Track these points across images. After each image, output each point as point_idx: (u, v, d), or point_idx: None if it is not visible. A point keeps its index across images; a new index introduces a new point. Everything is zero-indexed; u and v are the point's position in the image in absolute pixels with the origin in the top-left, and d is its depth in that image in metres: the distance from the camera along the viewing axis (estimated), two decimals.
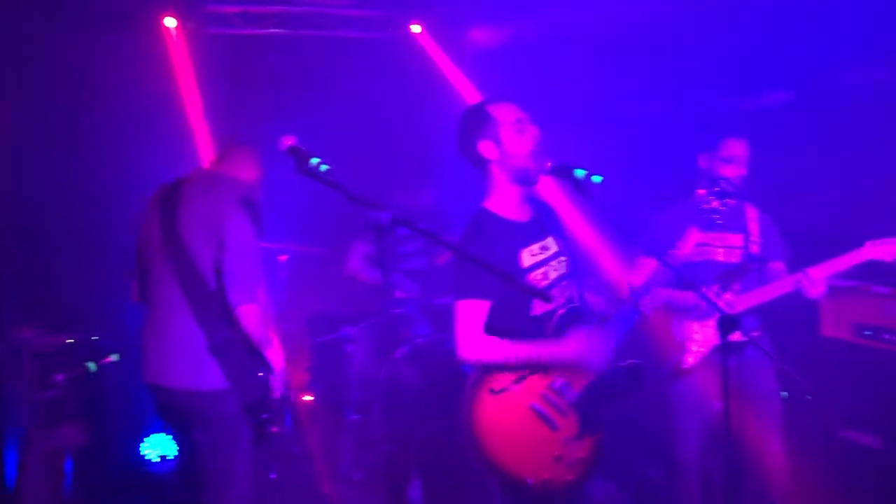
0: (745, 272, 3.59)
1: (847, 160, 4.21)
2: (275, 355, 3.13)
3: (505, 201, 2.86)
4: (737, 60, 4.59)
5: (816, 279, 3.35)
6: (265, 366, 3.12)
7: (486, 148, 2.81)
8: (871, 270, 4.11)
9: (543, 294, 2.31)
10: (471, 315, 2.68)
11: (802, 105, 4.65)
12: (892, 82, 4.18)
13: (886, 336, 3.93)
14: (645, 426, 4.42)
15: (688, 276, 2.57)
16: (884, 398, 3.85)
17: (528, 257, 2.82)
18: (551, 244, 2.93)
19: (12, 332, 2.23)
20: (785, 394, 4.09)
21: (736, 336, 3.02)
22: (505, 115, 2.82)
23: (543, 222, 2.99)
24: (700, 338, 3.57)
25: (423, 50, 6.38)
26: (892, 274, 3.96)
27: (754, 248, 3.66)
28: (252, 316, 2.96)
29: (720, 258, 3.66)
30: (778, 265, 3.69)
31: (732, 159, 3.59)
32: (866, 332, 4.02)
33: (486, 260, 2.55)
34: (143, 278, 3.19)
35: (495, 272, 2.55)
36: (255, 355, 3.07)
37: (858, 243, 3.35)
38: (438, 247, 5.39)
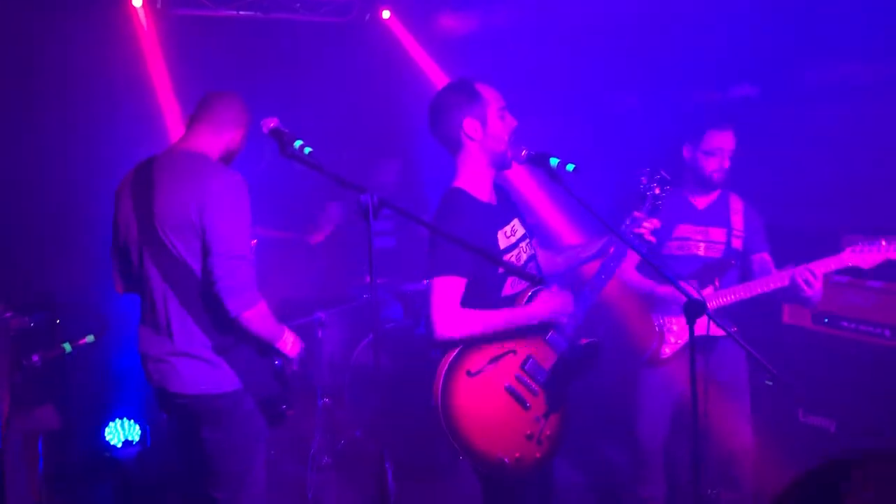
0: (725, 268, 3.62)
1: (818, 154, 4.29)
2: (287, 345, 2.90)
3: (478, 183, 2.89)
4: (711, 52, 4.63)
5: (812, 275, 3.30)
6: (279, 354, 2.91)
7: (470, 126, 2.82)
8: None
9: (539, 278, 2.33)
10: (447, 291, 2.69)
11: (771, 99, 4.73)
12: (863, 77, 4.26)
13: (844, 324, 4.05)
14: (608, 411, 4.52)
15: (667, 269, 2.61)
16: (841, 384, 3.98)
17: (503, 239, 2.87)
18: (518, 227, 2.98)
19: None
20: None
21: (714, 330, 3.11)
22: (493, 97, 2.87)
23: (508, 205, 3.04)
24: (678, 329, 3.62)
25: (393, 35, 6.37)
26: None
27: (736, 244, 3.67)
28: (257, 320, 2.73)
29: (701, 252, 3.67)
30: (763, 256, 3.69)
31: (714, 152, 3.57)
32: (825, 320, 4.15)
33: (465, 239, 2.57)
34: (123, 268, 2.96)
35: (478, 251, 2.60)
36: (265, 348, 2.87)
37: (833, 237, 3.41)
38: (409, 228, 5.44)
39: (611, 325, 3.83)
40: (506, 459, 2.71)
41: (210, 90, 3.00)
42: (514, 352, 2.83)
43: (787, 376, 3.64)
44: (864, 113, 4.13)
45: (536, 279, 2.33)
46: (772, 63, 4.52)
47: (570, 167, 2.74)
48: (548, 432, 2.85)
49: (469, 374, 2.73)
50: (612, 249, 2.99)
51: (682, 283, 2.78)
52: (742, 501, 3.64)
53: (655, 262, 2.68)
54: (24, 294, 3.98)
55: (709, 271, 3.59)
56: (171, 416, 3.04)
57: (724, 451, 3.62)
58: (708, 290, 3.52)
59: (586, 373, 2.98)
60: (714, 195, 3.73)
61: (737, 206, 3.74)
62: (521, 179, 5.49)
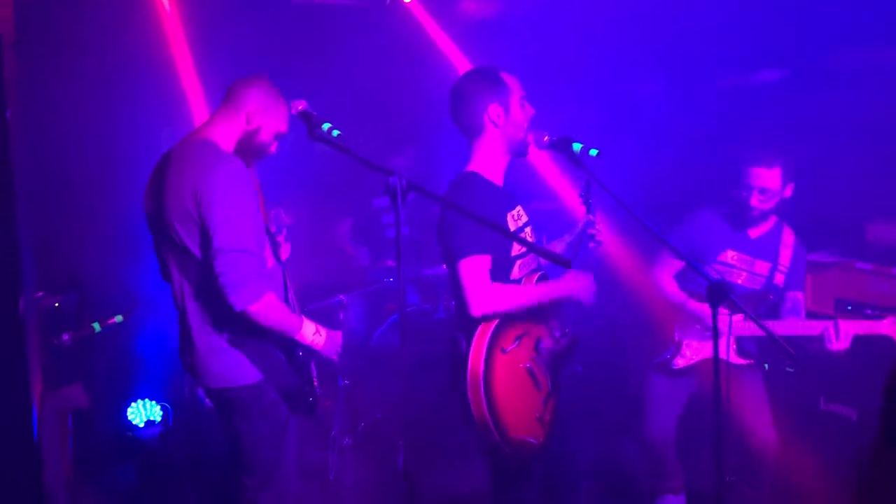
0: (763, 300, 3.60)
1: (845, 141, 4.25)
2: (308, 336, 2.80)
3: (493, 168, 2.93)
4: (736, 36, 4.58)
5: (845, 333, 3.31)
6: (301, 345, 2.83)
7: (494, 112, 2.86)
8: (853, 246, 4.22)
9: (566, 259, 2.35)
10: (478, 270, 2.70)
11: (799, 83, 4.67)
12: (891, 61, 4.20)
13: (868, 311, 4.02)
14: (626, 405, 4.53)
15: (693, 261, 2.63)
16: (864, 372, 3.95)
17: (511, 222, 2.90)
18: (522, 213, 3.02)
19: (29, 290, 2.21)
20: (766, 366, 4.19)
21: (734, 359, 3.44)
22: (515, 86, 2.91)
23: (513, 192, 3.07)
24: (695, 348, 3.63)
25: (414, 19, 6.35)
26: (872, 250, 4.06)
27: (778, 279, 3.64)
28: (264, 312, 2.63)
29: (741, 282, 3.66)
30: (797, 296, 3.69)
31: (757, 189, 3.48)
32: (848, 307, 4.12)
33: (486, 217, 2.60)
34: (160, 258, 2.93)
35: (500, 229, 2.66)
36: (286, 339, 2.79)
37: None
38: (423, 214, 5.47)
39: (635, 321, 3.85)
40: (531, 440, 2.75)
41: (235, 74, 2.95)
42: (529, 333, 2.86)
43: (809, 363, 3.63)
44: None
45: (562, 260, 2.34)
46: (800, 47, 4.47)
47: (593, 152, 2.77)
48: (548, 417, 2.89)
49: (503, 351, 2.74)
50: (581, 224, 3.08)
51: (707, 269, 2.79)
52: (762, 494, 3.65)
53: (678, 248, 2.68)
54: (54, 275, 4.02)
55: (745, 300, 3.51)
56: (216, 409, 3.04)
57: (745, 444, 3.62)
58: (738, 317, 3.46)
59: (571, 361, 3.05)
60: (768, 225, 3.68)
61: (788, 240, 3.68)
62: (544, 165, 5.48)
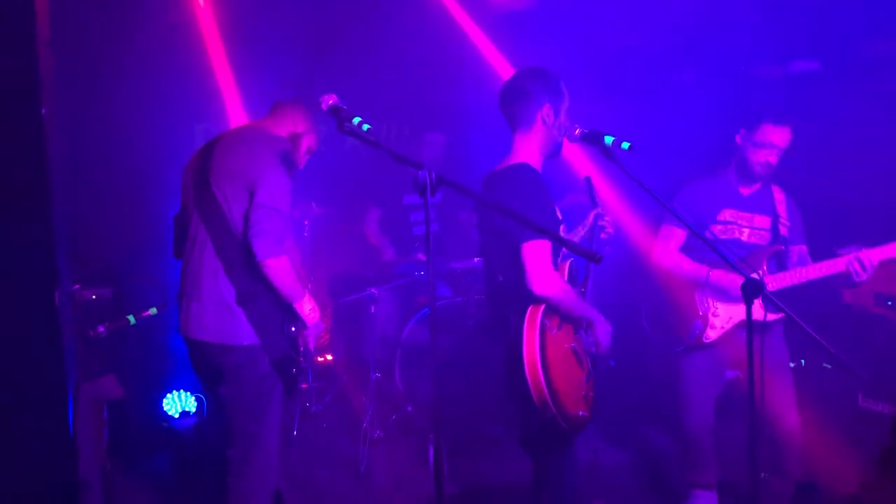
0: (774, 253, 3.61)
1: (878, 133, 4.17)
2: (305, 309, 3.05)
3: (537, 163, 3.05)
4: (771, 27, 4.51)
5: (870, 262, 3.31)
6: (296, 319, 3.06)
7: (547, 112, 3.01)
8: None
9: (598, 256, 2.41)
10: (543, 252, 2.83)
11: (832, 74, 4.60)
12: None
13: None
14: (653, 396, 4.49)
15: (722, 249, 2.63)
16: None
17: (558, 213, 3.03)
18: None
19: (65, 283, 2.27)
20: (802, 362, 4.13)
21: (768, 315, 3.34)
22: (567, 96, 3.08)
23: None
24: (723, 314, 3.60)
25: (446, 11, 6.33)
26: None
27: (783, 231, 3.65)
28: (279, 270, 2.89)
29: (745, 238, 3.67)
30: (802, 248, 3.69)
31: (766, 145, 3.55)
32: (888, 303, 4.04)
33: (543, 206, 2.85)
34: (181, 234, 3.16)
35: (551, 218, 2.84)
36: (285, 309, 3.01)
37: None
38: (451, 209, 5.48)
39: (653, 309, 3.82)
40: (584, 413, 2.88)
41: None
42: (567, 322, 2.96)
43: (847, 359, 3.56)
44: None
45: (595, 257, 2.39)
46: (834, 37, 4.38)
47: (625, 145, 2.78)
48: (591, 395, 3.00)
49: (553, 330, 2.85)
50: (592, 217, 3.26)
51: (739, 263, 2.77)
52: (789, 485, 3.60)
53: (712, 243, 2.67)
54: (90, 267, 4.10)
55: (755, 256, 3.58)
56: (200, 373, 3.16)
57: (771, 434, 3.58)
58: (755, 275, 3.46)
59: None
60: (757, 185, 3.72)
61: (780, 196, 3.72)
62: (576, 158, 5.46)
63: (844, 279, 3.38)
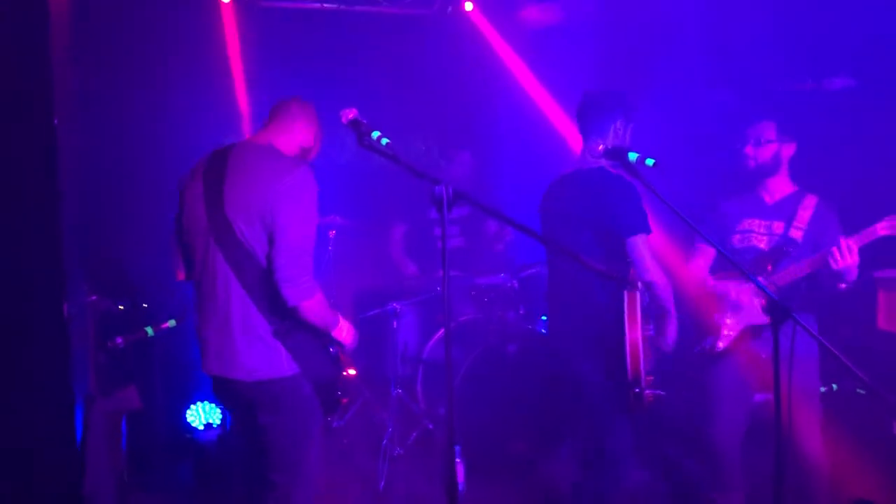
0: (780, 255, 3.55)
1: None
2: (343, 334, 2.98)
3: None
4: (802, 44, 4.46)
5: (848, 248, 3.30)
6: (334, 341, 2.98)
7: (619, 126, 3.39)
8: None
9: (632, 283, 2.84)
10: (648, 245, 3.23)
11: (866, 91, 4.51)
12: None
13: None
14: (675, 412, 4.40)
15: (745, 267, 2.59)
16: None
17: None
18: None
19: (79, 295, 2.27)
20: (834, 387, 4.01)
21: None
22: (635, 119, 3.44)
23: None
24: (730, 321, 3.57)
25: (475, 28, 6.34)
26: None
27: (795, 234, 3.60)
28: (313, 309, 2.78)
29: (763, 245, 3.64)
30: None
31: (752, 139, 3.66)
32: None
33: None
34: (188, 255, 2.97)
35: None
36: (321, 334, 2.92)
37: None
38: (476, 225, 5.46)
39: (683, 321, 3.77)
40: (658, 392, 3.18)
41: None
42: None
43: (880, 385, 3.46)
44: None
45: (629, 283, 2.65)
46: (870, 54, 4.31)
47: (649, 162, 2.74)
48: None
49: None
50: None
51: (763, 283, 2.71)
52: None
53: (735, 261, 2.61)
54: (109, 279, 4.11)
55: (762, 259, 3.56)
56: (226, 403, 3.07)
57: (796, 459, 3.48)
58: (759, 278, 3.47)
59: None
60: (787, 190, 3.69)
61: (810, 202, 3.65)
62: None
63: (831, 273, 3.37)
